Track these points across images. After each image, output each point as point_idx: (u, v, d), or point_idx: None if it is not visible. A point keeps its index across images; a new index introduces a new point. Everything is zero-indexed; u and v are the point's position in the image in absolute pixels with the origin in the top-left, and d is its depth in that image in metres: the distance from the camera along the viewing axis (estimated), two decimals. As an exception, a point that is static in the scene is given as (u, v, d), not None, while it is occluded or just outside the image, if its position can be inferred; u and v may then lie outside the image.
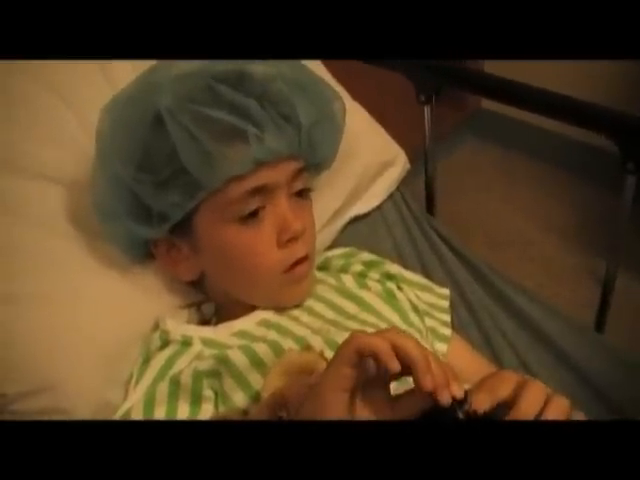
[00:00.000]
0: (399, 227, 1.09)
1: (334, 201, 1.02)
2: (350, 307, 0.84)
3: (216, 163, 0.73)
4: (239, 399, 0.71)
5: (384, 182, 1.09)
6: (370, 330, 0.57)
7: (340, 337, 0.74)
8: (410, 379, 0.53)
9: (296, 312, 0.83)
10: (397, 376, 0.55)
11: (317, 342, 0.75)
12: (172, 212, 0.76)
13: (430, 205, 1.23)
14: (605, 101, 0.93)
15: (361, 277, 0.91)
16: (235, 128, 0.73)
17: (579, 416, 0.57)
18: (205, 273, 0.84)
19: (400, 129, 1.13)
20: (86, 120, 0.86)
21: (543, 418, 0.53)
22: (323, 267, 0.94)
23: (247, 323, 0.81)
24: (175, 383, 0.73)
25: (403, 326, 0.83)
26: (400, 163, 1.11)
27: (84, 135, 0.86)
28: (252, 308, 0.83)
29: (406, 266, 1.00)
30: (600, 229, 1.72)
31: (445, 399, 0.52)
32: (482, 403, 0.54)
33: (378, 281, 0.91)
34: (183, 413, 0.72)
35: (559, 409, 0.54)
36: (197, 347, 0.78)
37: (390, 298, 0.88)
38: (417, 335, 0.83)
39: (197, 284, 0.87)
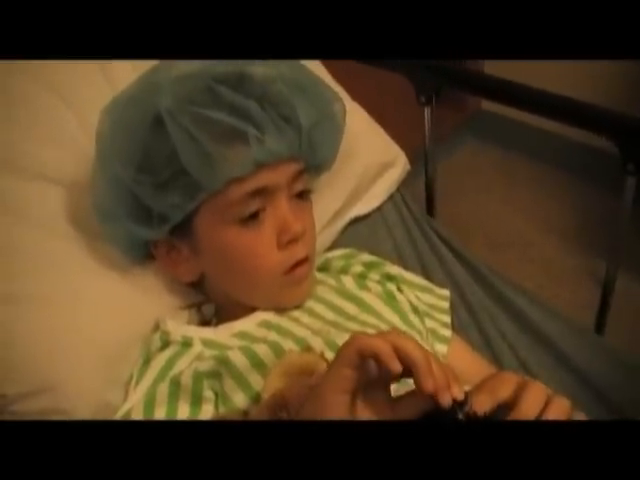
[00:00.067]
0: (399, 228, 1.09)
1: (334, 202, 1.02)
2: (350, 308, 0.84)
3: (216, 164, 0.73)
4: (239, 400, 0.71)
5: (384, 183, 1.09)
6: (370, 331, 0.57)
7: (340, 338, 0.74)
8: (410, 380, 0.53)
9: (296, 313, 0.83)
10: (398, 377, 0.55)
11: (317, 343, 0.75)
12: (172, 213, 0.76)
13: (430, 206, 1.23)
14: (605, 102, 0.93)
15: (361, 278, 0.91)
16: (235, 129, 0.73)
17: (580, 417, 0.57)
18: (205, 274, 0.84)
19: (400, 130, 1.13)
20: (86, 120, 0.86)
21: (544, 419, 0.53)
22: (323, 268, 0.94)
23: (247, 324, 0.81)
24: (175, 384, 0.73)
25: (403, 327, 0.83)
26: (400, 164, 1.11)
27: (84, 135, 0.86)
28: (252, 309, 0.83)
29: (406, 267, 1.00)
30: (600, 230, 1.72)
31: (446, 401, 0.52)
32: (482, 404, 0.54)
33: (378, 282, 0.91)
34: (183, 414, 0.72)
35: (560, 410, 0.54)
36: (197, 348, 0.78)
37: (390, 299, 0.88)
38: (417, 336, 0.83)
39: (197, 285, 0.87)
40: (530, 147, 2.11)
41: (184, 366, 0.76)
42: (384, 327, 0.81)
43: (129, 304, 0.83)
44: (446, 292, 0.96)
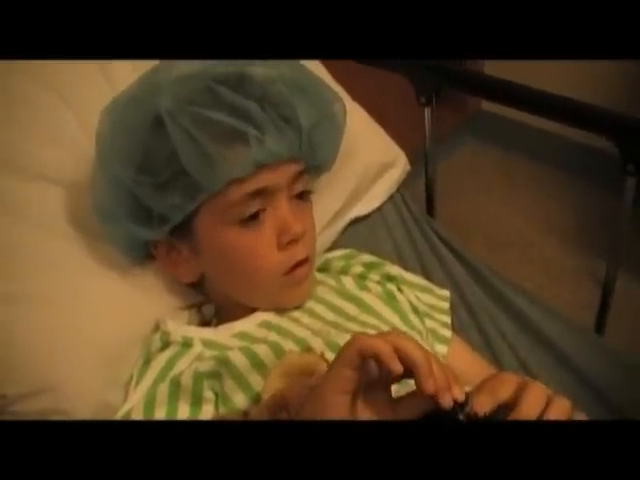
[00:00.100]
0: (399, 229, 1.09)
1: (334, 203, 1.02)
2: (350, 308, 0.84)
3: (216, 165, 0.73)
4: (239, 400, 0.71)
5: (384, 183, 1.09)
6: (370, 331, 0.56)
7: (341, 339, 0.74)
8: (411, 381, 0.53)
9: (296, 314, 0.83)
10: (398, 378, 0.55)
11: (318, 344, 0.75)
12: (172, 214, 0.76)
13: (430, 207, 1.23)
14: (605, 102, 0.93)
15: (361, 279, 0.91)
16: (235, 130, 0.73)
17: (581, 417, 0.57)
18: (205, 275, 0.84)
19: (400, 130, 1.13)
20: (86, 120, 0.86)
21: (544, 419, 0.53)
22: (323, 269, 0.94)
23: (247, 324, 0.81)
24: (175, 384, 0.73)
25: (403, 327, 0.83)
26: (400, 164, 1.11)
27: (84, 135, 0.86)
28: (252, 309, 0.83)
29: (406, 267, 1.00)
30: (600, 231, 1.72)
31: (446, 402, 0.52)
32: (483, 405, 0.54)
33: (378, 282, 0.91)
34: (183, 414, 0.72)
35: (560, 410, 0.54)
36: (198, 348, 0.78)
37: (390, 299, 0.88)
38: (417, 336, 0.83)
39: (197, 286, 0.87)
40: (530, 147, 2.11)
41: (184, 366, 0.76)
42: (384, 327, 0.81)
43: (129, 304, 0.83)
44: (446, 292, 0.96)
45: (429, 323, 0.90)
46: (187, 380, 0.73)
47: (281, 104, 0.77)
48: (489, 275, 1.05)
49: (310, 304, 0.84)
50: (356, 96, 1.08)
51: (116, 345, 0.81)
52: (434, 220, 1.17)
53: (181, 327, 0.82)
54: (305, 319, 0.82)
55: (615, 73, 1.78)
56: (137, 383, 0.77)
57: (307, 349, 0.74)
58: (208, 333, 0.81)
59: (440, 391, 0.52)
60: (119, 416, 0.74)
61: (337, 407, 0.54)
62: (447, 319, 0.93)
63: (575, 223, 1.91)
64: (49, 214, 0.83)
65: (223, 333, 0.81)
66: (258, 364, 0.73)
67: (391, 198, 1.10)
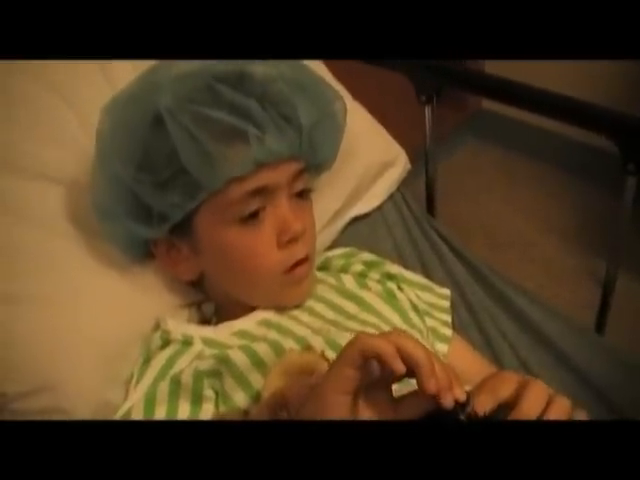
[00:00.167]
0: (399, 227, 1.09)
1: (334, 201, 1.02)
2: (350, 307, 0.84)
3: (216, 164, 0.73)
4: (240, 399, 0.71)
5: (385, 182, 1.09)
6: (371, 330, 0.56)
7: (341, 337, 0.74)
8: (412, 381, 0.53)
9: (296, 312, 0.83)
10: (400, 378, 0.55)
11: (318, 342, 0.75)
12: (172, 212, 0.76)
13: (430, 206, 1.23)
14: (605, 101, 0.93)
15: (361, 277, 0.91)
16: (235, 129, 0.73)
17: (582, 415, 0.56)
18: (205, 273, 0.84)
19: (401, 129, 1.13)
20: (87, 120, 0.86)
21: (545, 419, 0.53)
22: (323, 267, 0.94)
23: (247, 323, 0.81)
24: (176, 383, 0.73)
25: (404, 326, 0.83)
26: (401, 163, 1.11)
27: (85, 135, 0.86)
28: (252, 308, 0.83)
29: (406, 266, 1.00)
30: (600, 230, 1.72)
31: (448, 402, 0.52)
32: (484, 404, 0.54)
33: (378, 281, 0.91)
34: (184, 413, 0.72)
35: (561, 409, 0.54)
36: (198, 347, 0.78)
37: (390, 298, 0.88)
38: (418, 335, 0.83)
39: (197, 284, 0.87)
40: (530, 147, 2.11)
41: (184, 365, 0.76)
42: (384, 326, 0.81)
43: (129, 303, 0.83)
44: (446, 291, 0.96)
45: (429, 322, 0.90)
46: (187, 378, 0.73)
47: (281, 103, 0.77)
48: (489, 274, 1.05)
49: (310, 303, 0.84)
50: (357, 95, 1.08)
51: (116, 343, 0.81)
52: (434, 219, 1.17)
53: (181, 325, 0.82)
54: (305, 317, 0.82)
55: (615, 73, 1.77)
56: (137, 381, 0.77)
57: (307, 348, 0.74)
58: (208, 331, 0.81)
59: (442, 391, 0.52)
60: (119, 415, 0.74)
61: (338, 407, 0.54)
62: (447, 318, 0.93)
63: (575, 222, 1.91)
64: (49, 214, 0.83)
65: (223, 331, 0.81)
66: (258, 363, 0.73)
67: (391, 197, 1.10)
